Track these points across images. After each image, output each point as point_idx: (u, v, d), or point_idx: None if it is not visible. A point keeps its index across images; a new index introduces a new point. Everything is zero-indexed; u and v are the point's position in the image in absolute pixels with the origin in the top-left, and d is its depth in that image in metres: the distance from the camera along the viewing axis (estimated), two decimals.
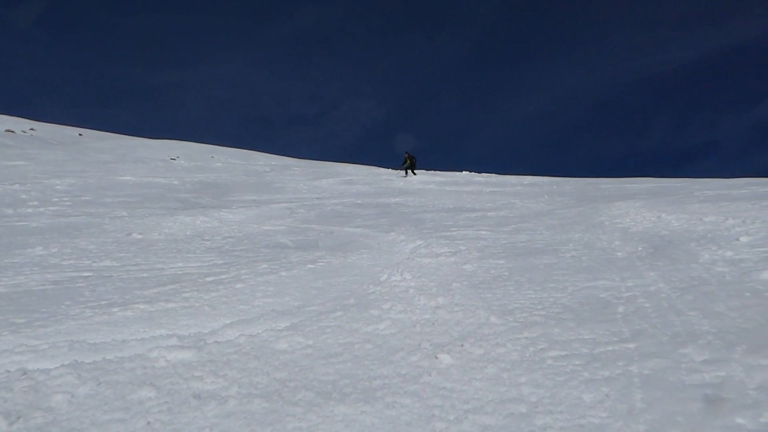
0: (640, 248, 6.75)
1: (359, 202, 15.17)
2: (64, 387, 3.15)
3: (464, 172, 28.86)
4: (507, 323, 4.28)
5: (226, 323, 4.41)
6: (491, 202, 14.46)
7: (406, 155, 26.55)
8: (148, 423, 2.80)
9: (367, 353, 3.79)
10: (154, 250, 7.76)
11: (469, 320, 4.40)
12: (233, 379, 3.34)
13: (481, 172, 28.98)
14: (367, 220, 11.31)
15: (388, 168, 27.12)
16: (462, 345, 3.86)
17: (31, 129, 55.07)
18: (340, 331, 4.19)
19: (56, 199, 13.17)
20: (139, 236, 8.96)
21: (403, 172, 27.39)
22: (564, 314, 4.45)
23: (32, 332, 4.04)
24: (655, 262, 5.87)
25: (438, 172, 30.04)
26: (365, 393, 3.16)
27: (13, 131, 49.02)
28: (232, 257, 7.29)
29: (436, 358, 3.64)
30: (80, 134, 59.76)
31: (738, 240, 6.20)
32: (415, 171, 27.35)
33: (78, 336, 4.01)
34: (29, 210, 11.50)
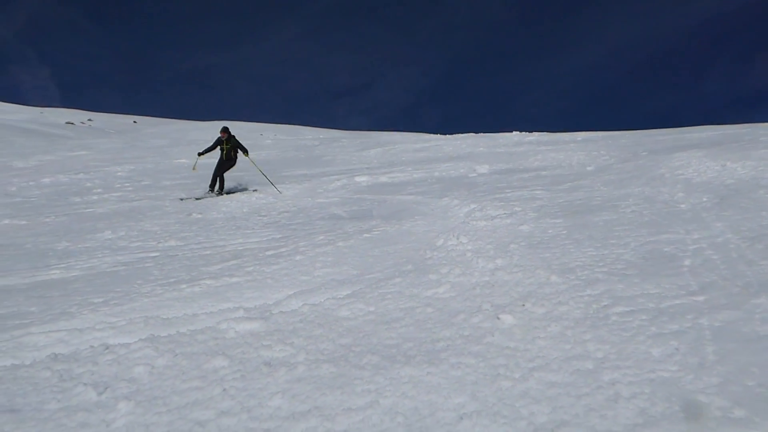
0: (704, 199, 6.50)
1: (410, 169, 15.14)
2: (144, 359, 3.33)
3: (515, 133, 28.29)
4: (568, 282, 4.24)
5: (289, 294, 4.53)
6: (544, 161, 14.17)
7: (223, 136, 12.21)
8: (224, 390, 2.93)
9: (429, 317, 3.82)
10: (215, 228, 8.00)
11: (529, 280, 4.38)
12: (300, 347, 3.45)
13: (532, 132, 28.34)
14: (419, 187, 11.29)
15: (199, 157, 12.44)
16: (523, 305, 3.84)
17: (89, 120, 57.12)
18: (401, 297, 4.25)
19: (118, 185, 13.68)
20: (199, 216, 9.24)
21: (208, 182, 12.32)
22: (627, 270, 4.36)
23: (110, 310, 4.26)
24: (721, 213, 5.66)
25: (487, 134, 29.57)
26: (429, 355, 3.21)
27: (72, 123, 50.99)
28: (289, 231, 7.44)
29: (498, 318, 3.64)
30: (135, 122, 61.64)
31: None
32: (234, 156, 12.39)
33: (152, 312, 4.21)
34: (95, 197, 12.00)
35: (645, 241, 5.10)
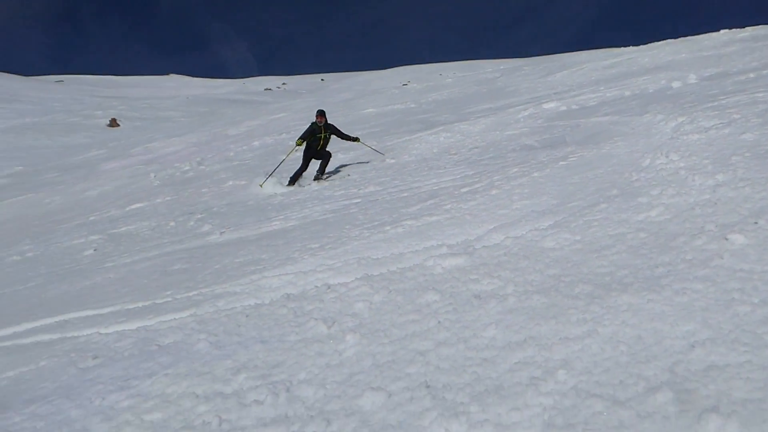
0: None
1: (602, 88, 14.05)
2: (362, 296, 3.61)
3: (723, 32, 24.61)
4: None
5: (489, 228, 4.54)
6: (765, 59, 12.18)
7: (320, 121, 10.15)
8: (439, 322, 3.07)
9: (643, 242, 3.57)
10: (408, 171, 8.26)
11: (760, 195, 3.85)
12: (508, 279, 3.45)
13: (744, 27, 24.41)
14: (615, 106, 10.43)
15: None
16: (756, 222, 3.41)
17: (283, 84, 61.96)
18: (609, 223, 4.02)
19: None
20: (392, 161, 9.61)
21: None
22: None
23: (326, 254, 4.67)
24: None
25: (688, 38, 26.16)
26: (648, 282, 3.01)
27: (270, 89, 55.72)
28: (481, 166, 7.40)
29: (726, 239, 3.28)
30: (322, 80, 65.45)
31: None
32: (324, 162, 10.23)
33: (363, 253, 4.52)
34: (298, 154, 13.07)
35: None
